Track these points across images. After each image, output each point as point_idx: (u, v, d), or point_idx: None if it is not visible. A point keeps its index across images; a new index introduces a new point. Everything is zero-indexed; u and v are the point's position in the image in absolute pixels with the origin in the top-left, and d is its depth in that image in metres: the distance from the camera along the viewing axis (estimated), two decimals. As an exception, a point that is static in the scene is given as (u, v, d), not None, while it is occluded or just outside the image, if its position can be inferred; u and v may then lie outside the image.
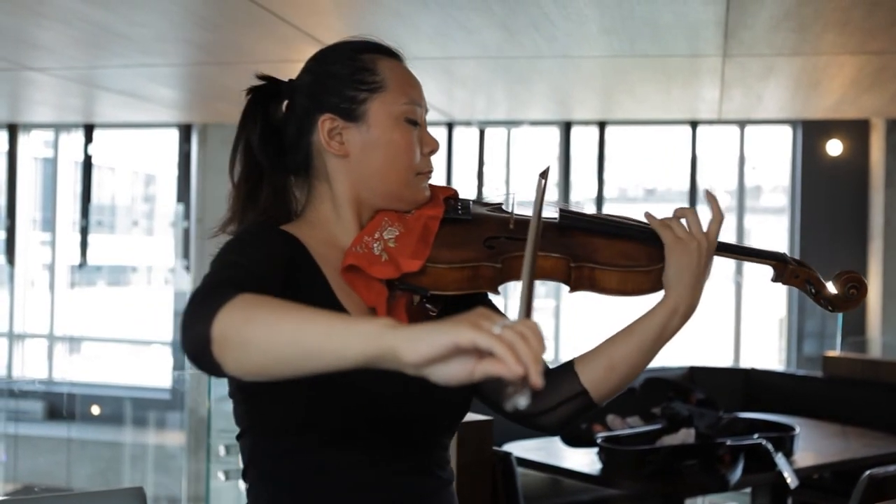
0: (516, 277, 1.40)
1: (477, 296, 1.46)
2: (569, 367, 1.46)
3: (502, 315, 1.32)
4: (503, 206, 1.51)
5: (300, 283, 1.33)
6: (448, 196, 1.49)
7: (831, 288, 1.55)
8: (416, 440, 1.38)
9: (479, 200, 1.54)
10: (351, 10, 4.30)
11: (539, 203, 1.36)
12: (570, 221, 1.47)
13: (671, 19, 4.14)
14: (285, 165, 1.46)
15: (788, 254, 1.57)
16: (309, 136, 1.43)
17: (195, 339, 1.08)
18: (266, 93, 1.46)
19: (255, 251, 1.29)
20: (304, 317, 1.05)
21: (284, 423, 1.33)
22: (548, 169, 1.45)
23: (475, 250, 1.40)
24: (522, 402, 0.94)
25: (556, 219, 1.47)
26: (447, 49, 4.70)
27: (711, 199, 1.46)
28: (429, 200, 1.46)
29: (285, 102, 1.46)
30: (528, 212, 1.43)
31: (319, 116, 1.41)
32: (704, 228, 1.45)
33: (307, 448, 1.32)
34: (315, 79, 1.44)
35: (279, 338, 1.03)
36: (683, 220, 1.45)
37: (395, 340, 0.97)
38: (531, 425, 1.49)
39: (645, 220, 1.48)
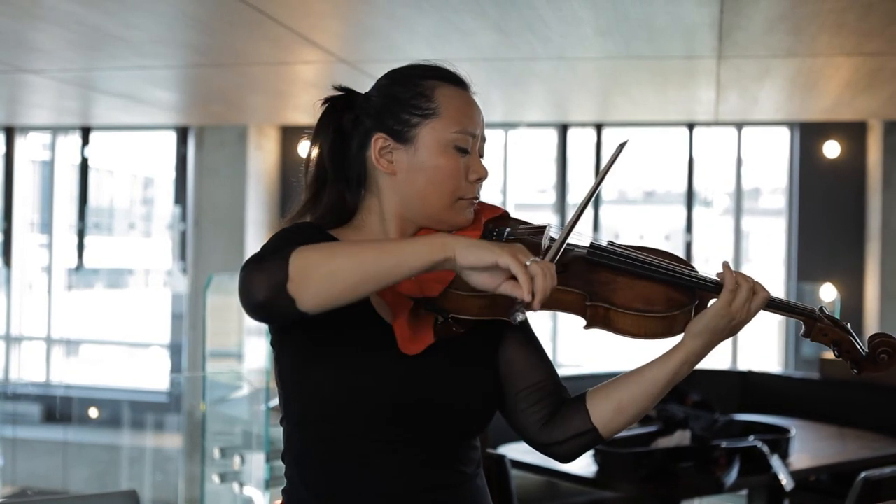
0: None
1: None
2: (581, 402, 1.55)
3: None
4: (542, 234, 1.53)
5: None
6: (491, 218, 1.56)
7: (862, 347, 1.52)
8: (438, 440, 1.48)
9: (522, 223, 1.58)
10: (346, 12, 4.29)
11: (606, 169, 1.52)
12: (598, 258, 1.49)
13: (665, 21, 4.14)
14: (346, 175, 1.56)
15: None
16: (365, 150, 1.54)
17: (269, 280, 1.28)
18: (341, 103, 1.57)
19: (303, 241, 1.38)
20: (378, 243, 1.32)
21: (310, 416, 1.46)
22: (626, 142, 1.56)
23: (499, 278, 1.41)
24: (520, 317, 1.26)
25: (584, 251, 1.50)
26: (442, 51, 4.69)
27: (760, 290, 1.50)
28: (471, 223, 1.54)
29: (355, 115, 1.55)
30: (561, 238, 1.47)
31: (374, 135, 1.51)
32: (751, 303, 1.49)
33: (332, 438, 1.45)
34: (379, 99, 1.53)
35: (364, 261, 1.28)
36: (747, 292, 1.47)
37: (455, 246, 1.26)
38: (546, 453, 1.58)
39: (691, 269, 1.51)
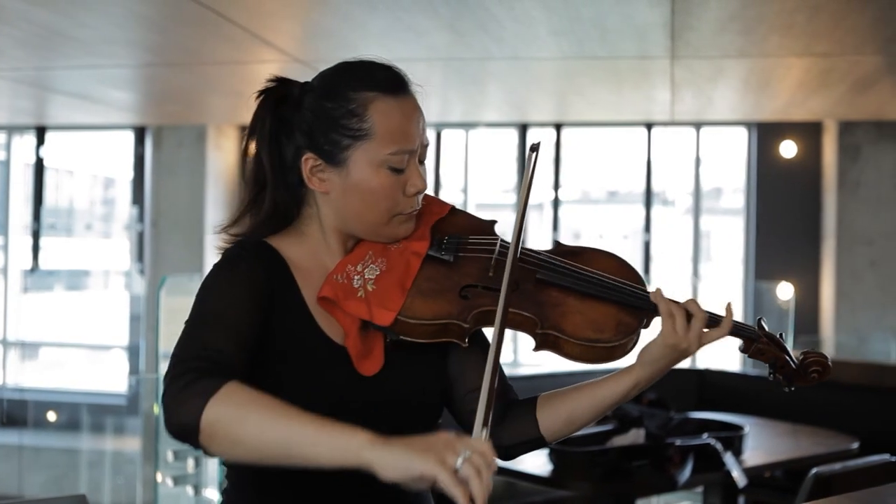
0: (485, 325, 1.46)
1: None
2: (531, 410, 1.54)
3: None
4: (493, 249, 1.49)
5: (279, 306, 1.41)
6: (438, 221, 1.52)
7: (796, 363, 1.53)
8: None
9: (472, 220, 1.55)
10: (298, 12, 4.27)
11: (529, 179, 1.47)
12: (551, 277, 1.47)
13: (618, 21, 4.15)
14: (286, 179, 1.49)
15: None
16: (298, 163, 1.47)
17: (182, 427, 1.20)
18: (276, 96, 1.49)
19: (235, 297, 1.36)
20: (293, 423, 1.18)
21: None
22: (539, 144, 1.51)
23: (448, 302, 1.43)
24: None
25: (536, 270, 1.47)
26: (396, 51, 4.68)
27: (728, 312, 1.49)
28: (412, 231, 1.49)
29: (290, 114, 1.47)
30: (502, 308, 1.41)
31: (304, 154, 1.45)
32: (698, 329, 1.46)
33: None
34: (309, 113, 1.45)
35: (268, 441, 1.18)
36: (685, 318, 1.44)
37: (371, 459, 1.14)
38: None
39: (634, 284, 1.48)
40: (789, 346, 1.56)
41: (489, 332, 1.51)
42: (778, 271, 7.01)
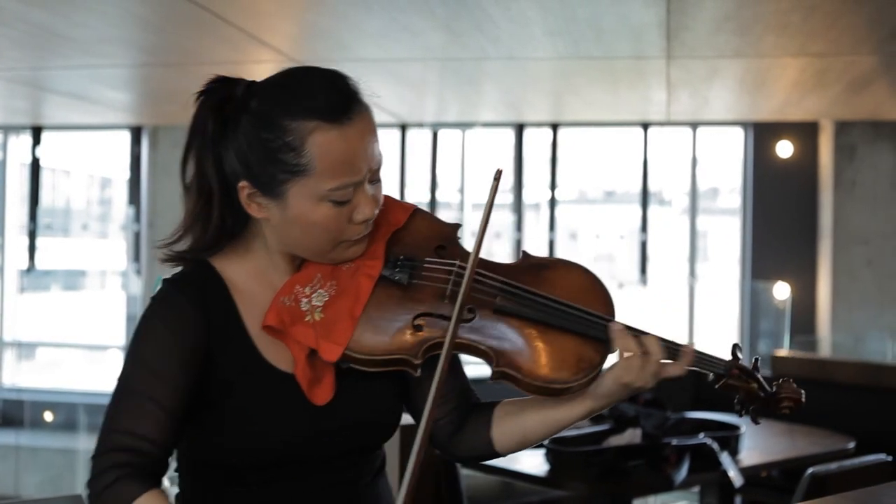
0: (435, 352, 1.36)
1: None
2: (487, 425, 1.49)
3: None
4: (449, 276, 1.40)
5: (219, 338, 1.34)
6: (395, 234, 1.43)
7: (768, 393, 1.45)
8: (344, 460, 1.42)
9: (434, 224, 1.47)
10: (294, 12, 4.27)
11: (489, 205, 1.37)
12: (510, 306, 1.38)
13: (613, 21, 4.15)
14: (230, 193, 1.37)
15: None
16: (237, 185, 1.36)
17: None
18: (217, 99, 1.36)
19: (164, 357, 1.31)
20: None
21: (202, 453, 1.38)
22: (501, 172, 1.40)
23: (400, 334, 1.35)
24: None
25: (494, 297, 1.39)
26: (392, 51, 4.68)
27: (686, 353, 1.41)
28: (370, 244, 1.40)
29: (230, 125, 1.35)
30: (450, 336, 1.35)
31: (240, 181, 1.33)
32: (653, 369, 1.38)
33: (226, 468, 1.37)
34: (245, 139, 1.32)
35: None
36: (642, 357, 1.37)
37: None
38: (447, 456, 1.55)
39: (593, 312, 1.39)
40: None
41: None
42: (774, 271, 7.02)
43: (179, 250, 1.40)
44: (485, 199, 1.38)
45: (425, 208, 1.51)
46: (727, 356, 1.45)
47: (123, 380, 1.33)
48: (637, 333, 1.39)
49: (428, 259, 1.41)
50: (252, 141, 1.31)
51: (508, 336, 1.37)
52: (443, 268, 1.40)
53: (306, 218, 1.32)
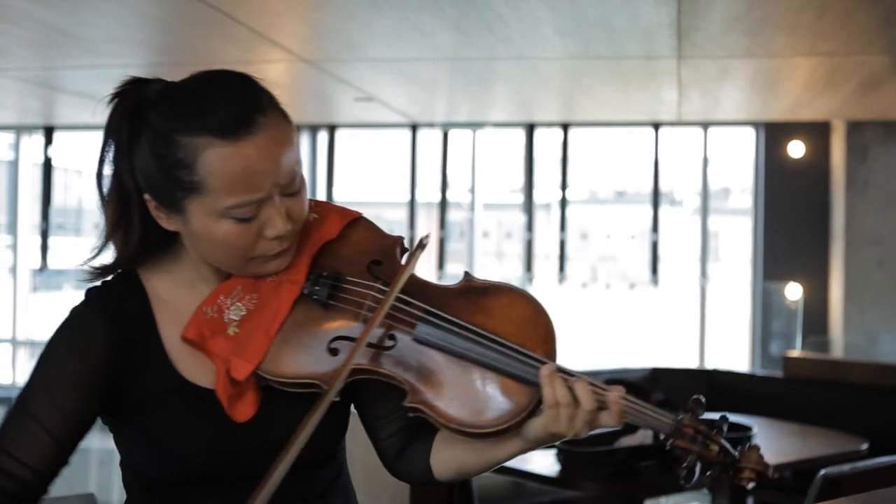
0: (353, 379, 1.28)
1: None
2: (427, 451, 1.40)
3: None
4: (367, 295, 1.31)
5: (133, 355, 1.30)
6: (325, 246, 1.35)
7: (730, 462, 1.23)
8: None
9: (373, 236, 1.38)
10: (304, 11, 4.27)
11: (407, 265, 1.30)
12: (431, 337, 1.27)
13: (624, 21, 4.14)
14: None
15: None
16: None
17: None
18: (131, 103, 1.29)
19: (63, 388, 1.27)
20: None
21: (133, 468, 1.35)
22: (427, 238, 1.32)
23: (314, 359, 1.27)
24: None
25: (415, 326, 1.28)
26: (402, 51, 4.68)
27: (614, 404, 1.23)
28: (297, 256, 1.32)
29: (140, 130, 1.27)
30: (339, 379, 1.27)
31: (144, 193, 1.28)
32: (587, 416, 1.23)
33: (159, 484, 1.33)
34: (144, 150, 1.26)
35: None
36: (571, 410, 1.23)
37: None
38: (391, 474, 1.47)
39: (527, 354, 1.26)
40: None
41: None
42: (786, 272, 7.00)
43: (104, 265, 1.34)
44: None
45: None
46: (679, 412, 1.26)
47: (21, 398, 1.28)
48: (569, 377, 1.24)
49: (350, 278, 1.32)
50: (149, 155, 1.24)
51: (427, 370, 1.26)
52: (363, 289, 1.31)
53: (209, 234, 1.25)
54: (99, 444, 7.28)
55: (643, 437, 3.85)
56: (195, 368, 1.30)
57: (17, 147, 8.49)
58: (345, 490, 1.44)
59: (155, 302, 1.33)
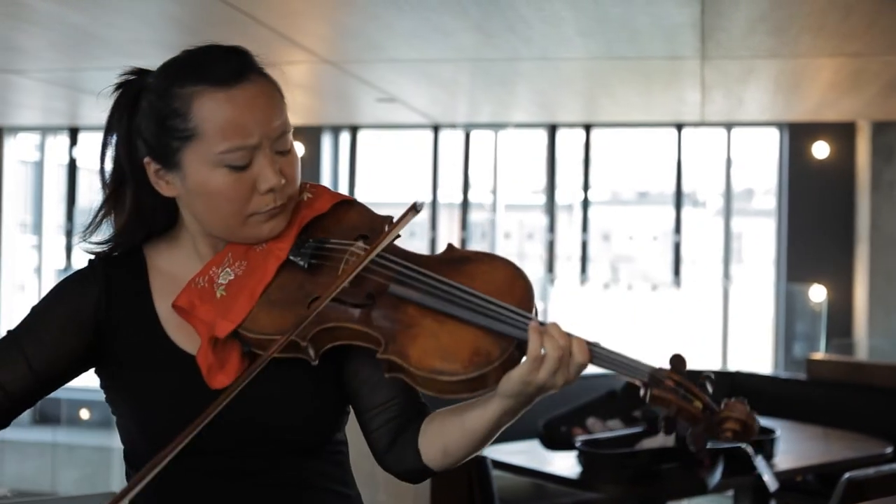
0: (330, 344, 1.30)
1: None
2: (415, 437, 1.39)
3: None
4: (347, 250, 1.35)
5: (125, 319, 1.37)
6: (311, 220, 1.39)
7: (711, 412, 1.20)
8: (266, 465, 1.37)
9: (362, 215, 1.41)
10: (325, 12, 4.28)
11: (397, 228, 1.32)
12: (405, 291, 1.29)
13: (647, 21, 4.13)
14: (146, 180, 1.37)
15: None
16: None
17: None
18: (132, 90, 1.39)
19: (49, 326, 1.36)
20: None
21: (130, 440, 1.41)
22: (421, 204, 1.33)
23: (294, 315, 1.29)
24: None
25: (391, 278, 1.30)
26: (424, 51, 4.69)
27: (581, 350, 1.24)
28: (279, 232, 1.36)
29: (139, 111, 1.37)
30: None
31: (144, 158, 1.35)
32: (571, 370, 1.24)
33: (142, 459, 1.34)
34: (145, 114, 1.34)
35: None
36: (555, 363, 1.23)
37: None
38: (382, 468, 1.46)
39: (504, 306, 1.26)
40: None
41: None
42: (810, 273, 6.95)
43: (101, 239, 1.41)
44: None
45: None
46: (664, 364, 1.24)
47: (12, 329, 1.38)
48: (544, 327, 1.25)
49: (333, 240, 1.36)
50: (147, 114, 1.33)
51: (402, 324, 1.27)
52: (342, 248, 1.35)
53: (205, 186, 1.31)
54: (121, 443, 7.37)
55: (664, 439, 3.84)
56: (183, 336, 1.36)
57: (42, 148, 8.57)
58: (328, 499, 1.44)
59: (153, 273, 1.41)
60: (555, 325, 1.24)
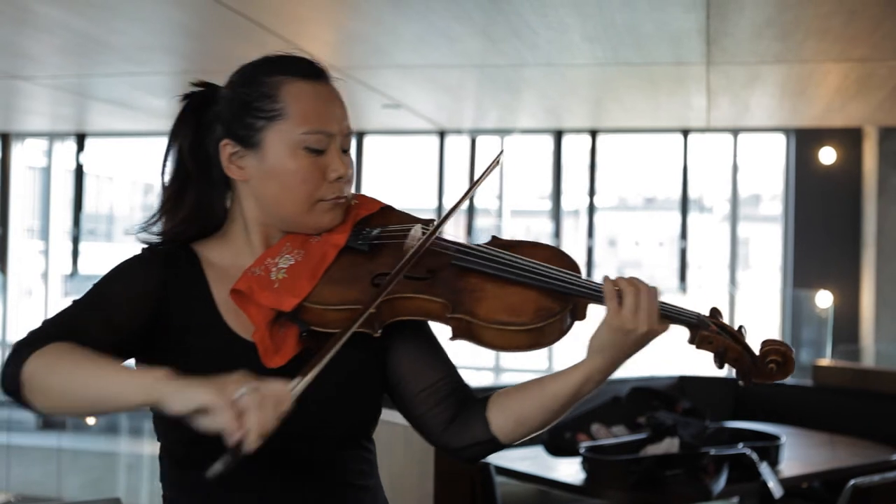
0: (394, 318, 1.38)
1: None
2: (483, 409, 1.44)
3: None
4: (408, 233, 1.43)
5: (183, 305, 1.40)
6: (365, 217, 1.48)
7: (752, 356, 1.38)
8: (309, 456, 1.40)
9: (404, 217, 1.50)
10: (331, 18, 4.29)
11: (481, 176, 1.45)
12: (466, 262, 1.38)
13: (652, 27, 4.13)
14: (210, 177, 1.46)
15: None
16: (219, 156, 1.44)
17: (9, 380, 1.23)
18: (200, 99, 1.47)
19: (121, 290, 1.38)
20: (96, 368, 1.21)
21: (166, 443, 1.42)
22: (502, 153, 1.48)
23: (359, 290, 1.37)
24: (216, 468, 1.10)
25: (451, 255, 1.40)
26: (429, 57, 4.69)
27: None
28: (338, 223, 1.44)
29: (212, 114, 1.45)
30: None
31: (222, 140, 1.42)
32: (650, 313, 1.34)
33: (197, 464, 1.34)
34: (226, 101, 1.43)
35: (74, 386, 1.20)
36: (633, 298, 1.34)
37: (161, 393, 1.14)
38: (448, 455, 1.50)
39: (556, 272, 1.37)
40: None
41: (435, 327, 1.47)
42: (817, 279, 6.93)
43: (156, 232, 1.46)
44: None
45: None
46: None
47: (79, 298, 1.39)
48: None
49: (392, 227, 1.46)
50: (232, 99, 1.42)
51: (468, 289, 1.37)
52: (403, 232, 1.43)
53: (283, 166, 1.39)
54: (127, 448, 7.36)
55: (669, 445, 3.83)
56: (239, 323, 1.40)
57: (49, 154, 8.60)
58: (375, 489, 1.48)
59: (206, 265, 1.45)
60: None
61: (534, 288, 1.36)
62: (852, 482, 3.07)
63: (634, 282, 1.35)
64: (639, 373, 5.93)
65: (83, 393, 1.20)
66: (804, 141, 7.00)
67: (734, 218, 7.40)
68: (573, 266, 1.42)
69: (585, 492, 3.69)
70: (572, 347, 1.53)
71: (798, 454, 4.13)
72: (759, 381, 1.39)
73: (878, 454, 4.15)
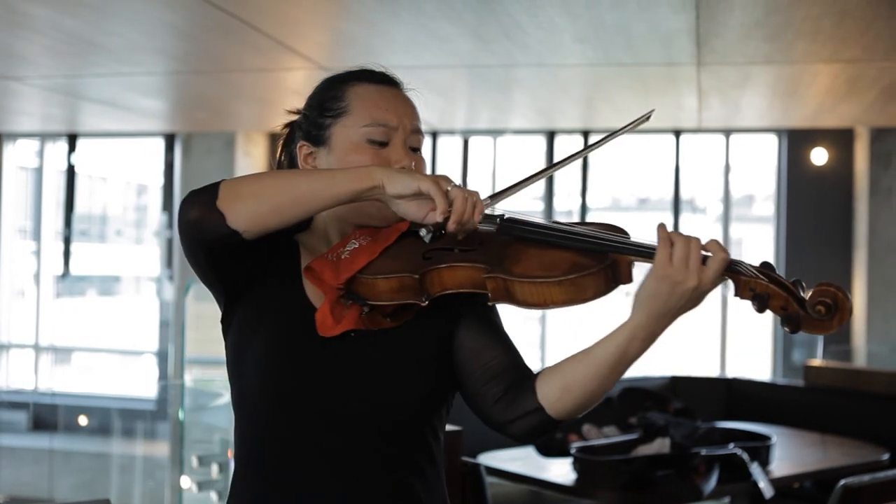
0: (440, 289, 1.41)
1: (472, 297, 1.44)
2: (529, 381, 1.45)
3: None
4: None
5: (276, 273, 1.51)
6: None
7: (800, 300, 1.33)
8: (367, 439, 1.44)
9: None
10: (322, 19, 4.29)
11: (624, 130, 1.58)
12: (509, 231, 1.41)
13: (642, 28, 4.13)
14: None
15: (773, 263, 1.42)
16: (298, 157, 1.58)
17: (201, 197, 1.36)
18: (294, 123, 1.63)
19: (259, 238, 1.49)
20: (309, 172, 1.45)
21: (242, 402, 1.50)
22: (651, 112, 1.58)
23: (408, 262, 1.42)
24: (426, 234, 1.40)
25: (499, 227, 1.42)
26: (421, 58, 4.69)
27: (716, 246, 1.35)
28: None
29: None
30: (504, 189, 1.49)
31: (299, 143, 1.56)
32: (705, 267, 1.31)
33: (262, 431, 1.47)
34: (305, 108, 1.58)
35: (292, 183, 1.38)
36: (684, 248, 1.32)
37: (383, 176, 1.34)
38: (502, 433, 1.50)
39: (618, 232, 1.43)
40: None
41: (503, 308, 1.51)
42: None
43: None
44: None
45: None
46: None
47: None
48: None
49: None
50: (308, 107, 1.57)
51: (507, 255, 1.39)
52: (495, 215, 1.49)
53: (347, 158, 1.49)
54: (119, 450, 7.35)
55: (660, 446, 3.84)
56: (315, 296, 1.49)
57: (41, 154, 8.58)
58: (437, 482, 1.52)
59: (302, 246, 1.56)
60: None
61: (571, 249, 1.37)
62: (842, 482, 3.07)
63: (689, 235, 1.34)
64: (631, 373, 5.94)
65: (294, 189, 1.36)
66: (796, 141, 7.01)
67: (727, 218, 7.41)
68: (622, 232, 1.44)
69: (576, 492, 3.70)
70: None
71: (789, 454, 4.14)
72: (808, 330, 1.32)
73: (869, 454, 4.17)
